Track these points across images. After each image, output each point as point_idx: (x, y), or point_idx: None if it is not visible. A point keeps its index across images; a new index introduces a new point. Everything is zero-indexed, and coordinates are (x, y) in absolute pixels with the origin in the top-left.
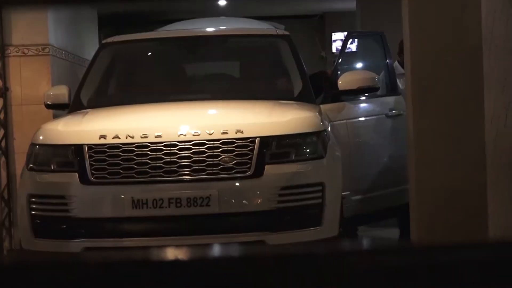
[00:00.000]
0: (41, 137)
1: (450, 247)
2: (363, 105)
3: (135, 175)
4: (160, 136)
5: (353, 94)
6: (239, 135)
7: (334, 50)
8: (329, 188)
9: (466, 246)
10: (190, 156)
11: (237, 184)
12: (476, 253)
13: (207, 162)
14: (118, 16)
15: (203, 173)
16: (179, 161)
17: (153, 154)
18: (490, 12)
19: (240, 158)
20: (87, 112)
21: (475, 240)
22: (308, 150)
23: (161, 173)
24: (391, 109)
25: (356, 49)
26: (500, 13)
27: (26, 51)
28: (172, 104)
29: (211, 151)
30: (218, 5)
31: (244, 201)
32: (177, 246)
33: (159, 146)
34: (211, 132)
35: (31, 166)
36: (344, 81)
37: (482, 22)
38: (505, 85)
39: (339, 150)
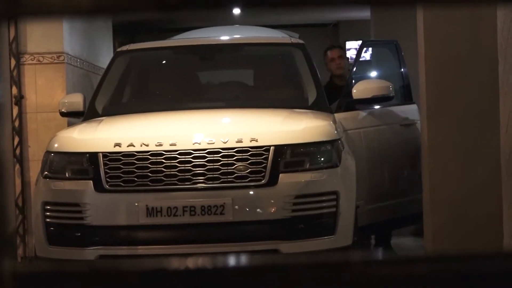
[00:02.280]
0: (56, 145)
1: (464, 257)
2: (377, 114)
3: (150, 183)
4: (174, 144)
5: (367, 103)
6: (254, 144)
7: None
8: (343, 197)
9: (480, 256)
10: (204, 164)
11: (251, 192)
12: (491, 264)
13: (222, 171)
14: (132, 24)
15: (218, 181)
16: (194, 169)
17: (168, 162)
18: (506, 22)
19: (254, 166)
20: (102, 120)
21: (489, 250)
22: (322, 159)
23: (176, 181)
24: (405, 118)
25: (371, 57)
26: None
27: (41, 59)
28: (187, 112)
29: (226, 159)
30: (232, 13)
31: (258, 210)
32: (190, 255)
33: (174, 154)
34: (226, 141)
35: (46, 174)
36: (359, 90)
37: (498, 32)
38: None
39: (353, 159)
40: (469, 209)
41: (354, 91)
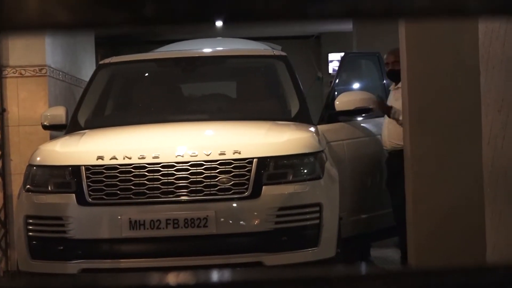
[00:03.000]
0: (38, 158)
1: (447, 272)
2: (360, 125)
3: (133, 196)
4: (157, 157)
5: (350, 115)
6: (237, 156)
7: (330, 71)
8: (327, 209)
9: (463, 270)
10: (187, 177)
11: (234, 205)
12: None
13: (205, 183)
14: (115, 37)
15: (201, 194)
16: (177, 182)
17: (151, 175)
18: (488, 32)
19: (237, 179)
20: (84, 133)
21: (472, 263)
22: (305, 171)
23: (159, 194)
24: None
25: (353, 69)
26: (497, 33)
27: (23, 72)
28: (170, 124)
29: (209, 172)
30: (215, 26)
31: (241, 222)
32: (173, 268)
33: (157, 167)
34: (209, 153)
35: (28, 187)
36: (342, 102)
37: (480, 43)
38: (502, 105)
39: (336, 170)
40: (452, 220)
41: (337, 102)
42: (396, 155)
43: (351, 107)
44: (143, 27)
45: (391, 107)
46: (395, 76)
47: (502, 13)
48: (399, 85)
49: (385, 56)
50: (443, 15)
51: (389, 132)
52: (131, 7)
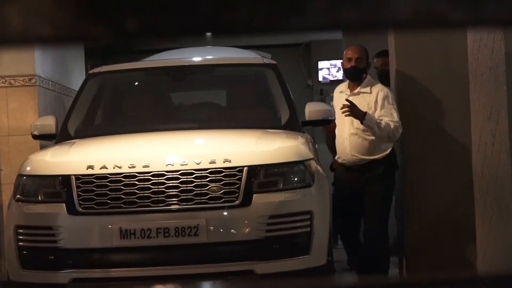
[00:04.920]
0: (28, 168)
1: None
2: None
3: (123, 205)
4: (147, 166)
5: (315, 125)
6: (227, 164)
7: (320, 79)
8: (317, 217)
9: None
10: (177, 185)
11: (225, 213)
12: None
13: (195, 192)
14: (105, 46)
15: (191, 203)
16: (167, 190)
17: (141, 184)
18: (476, 40)
19: (228, 187)
20: (74, 143)
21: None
22: (296, 179)
23: (149, 203)
24: None
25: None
26: (485, 41)
27: (12, 81)
28: (160, 133)
29: (199, 180)
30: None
31: (232, 230)
32: (163, 278)
33: (147, 176)
34: (199, 162)
35: (18, 197)
36: (310, 111)
37: (468, 50)
38: (491, 112)
39: (326, 178)
40: (442, 227)
41: (306, 112)
42: (360, 170)
43: (319, 117)
44: (124, 40)
45: (365, 113)
46: (385, 78)
47: (484, 24)
48: (364, 89)
49: (374, 60)
50: (426, 27)
51: (350, 143)
52: (113, 21)
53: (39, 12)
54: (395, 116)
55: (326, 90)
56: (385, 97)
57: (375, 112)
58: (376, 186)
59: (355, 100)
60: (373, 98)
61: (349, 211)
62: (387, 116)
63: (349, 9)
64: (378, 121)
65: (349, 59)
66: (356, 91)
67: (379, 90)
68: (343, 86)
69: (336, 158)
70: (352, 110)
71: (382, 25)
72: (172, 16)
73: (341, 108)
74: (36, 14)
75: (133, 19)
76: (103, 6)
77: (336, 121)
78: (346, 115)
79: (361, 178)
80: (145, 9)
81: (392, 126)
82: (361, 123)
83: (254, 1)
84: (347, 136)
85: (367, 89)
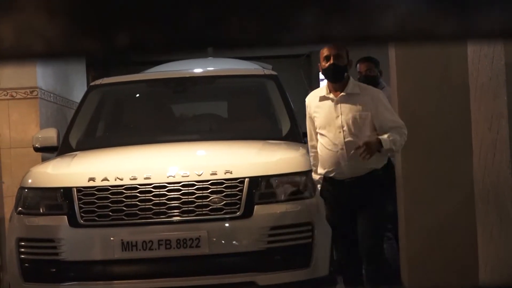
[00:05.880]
0: (30, 181)
1: None
2: None
3: (125, 217)
4: (149, 178)
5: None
6: (228, 176)
7: None
8: (319, 228)
9: None
10: (179, 197)
11: (226, 224)
12: None
13: (197, 203)
14: (105, 58)
15: (193, 214)
16: (169, 202)
17: (142, 196)
18: (476, 50)
19: (229, 198)
20: (75, 155)
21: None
22: (297, 190)
23: (151, 215)
24: None
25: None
26: (486, 51)
27: (14, 94)
28: (161, 145)
29: (200, 192)
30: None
31: (234, 242)
32: None
33: (148, 188)
34: (200, 173)
35: (20, 210)
36: None
37: (468, 60)
38: (492, 122)
39: None
40: (444, 237)
41: None
42: (357, 182)
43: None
44: (114, 55)
45: (380, 141)
46: (371, 84)
47: (472, 37)
48: (352, 90)
49: (357, 66)
50: (414, 40)
51: (348, 152)
52: (105, 36)
53: (32, 28)
54: (398, 119)
55: None
56: (384, 100)
57: (372, 114)
58: (376, 198)
59: (346, 104)
60: (368, 99)
61: (349, 234)
62: (390, 122)
63: (337, 24)
64: (390, 139)
65: (327, 58)
66: (344, 93)
67: (373, 92)
68: (322, 91)
69: (320, 172)
70: (370, 149)
71: (370, 38)
72: (163, 31)
73: (356, 149)
74: (28, 30)
75: (124, 34)
76: (95, 22)
77: (318, 131)
78: (365, 158)
79: (358, 191)
80: (136, 24)
81: (399, 137)
82: (379, 150)
83: (245, 16)
84: (342, 146)
85: (356, 90)
